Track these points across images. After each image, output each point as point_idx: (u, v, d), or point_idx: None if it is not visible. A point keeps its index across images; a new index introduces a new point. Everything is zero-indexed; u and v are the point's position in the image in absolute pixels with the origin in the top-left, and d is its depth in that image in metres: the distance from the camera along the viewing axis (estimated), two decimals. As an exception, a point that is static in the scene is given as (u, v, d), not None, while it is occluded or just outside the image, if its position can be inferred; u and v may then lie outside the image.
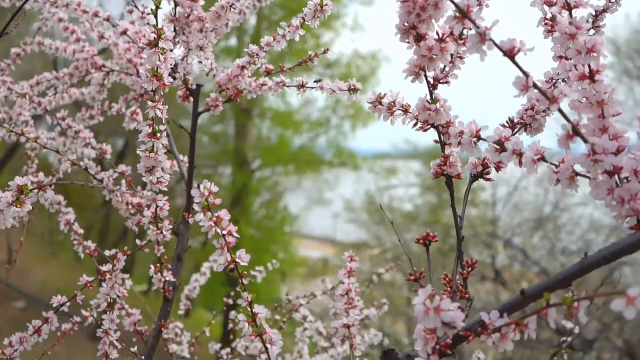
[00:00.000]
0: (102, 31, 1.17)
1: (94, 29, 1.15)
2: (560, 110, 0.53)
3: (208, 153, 11.97)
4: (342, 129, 12.03)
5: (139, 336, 1.04)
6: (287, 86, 0.99)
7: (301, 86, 0.98)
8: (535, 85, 0.53)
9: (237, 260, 0.66)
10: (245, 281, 0.68)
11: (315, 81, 0.96)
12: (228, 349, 1.44)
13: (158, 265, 1.00)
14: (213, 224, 0.64)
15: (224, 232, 0.65)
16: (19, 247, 1.19)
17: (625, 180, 0.54)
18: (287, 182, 12.39)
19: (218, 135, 11.99)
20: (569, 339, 1.17)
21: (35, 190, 0.67)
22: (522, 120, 0.72)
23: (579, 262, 0.52)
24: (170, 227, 0.93)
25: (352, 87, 0.88)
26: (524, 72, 0.53)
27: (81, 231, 1.14)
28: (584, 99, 0.56)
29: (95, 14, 1.11)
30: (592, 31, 0.75)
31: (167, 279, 1.00)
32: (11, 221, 0.72)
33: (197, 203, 0.64)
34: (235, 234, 0.65)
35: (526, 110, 0.72)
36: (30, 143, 1.18)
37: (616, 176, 0.55)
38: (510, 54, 0.53)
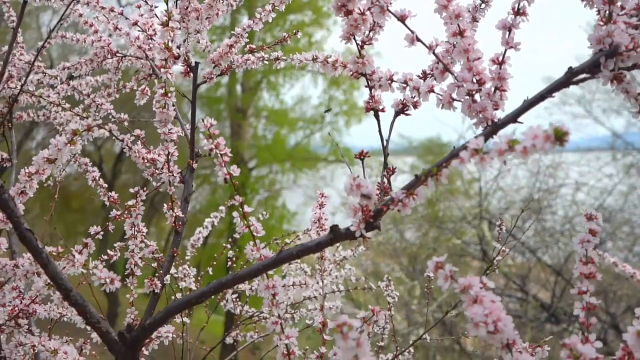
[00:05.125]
0: (116, 23, 1.44)
1: (110, 22, 1.42)
2: (434, 54, 0.82)
3: (205, 153, 12.23)
4: (336, 125, 12.34)
5: (157, 261, 1.32)
6: (266, 60, 1.28)
7: (277, 59, 1.26)
8: (417, 39, 0.81)
9: (231, 172, 0.94)
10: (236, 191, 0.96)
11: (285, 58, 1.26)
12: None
13: (170, 203, 1.27)
14: (214, 147, 0.92)
15: (222, 152, 0.93)
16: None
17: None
18: (284, 180, 12.67)
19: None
20: (499, 258, 1.46)
21: (85, 132, 0.95)
22: (431, 72, 1.00)
23: (448, 155, 0.80)
24: (179, 171, 1.21)
25: (314, 57, 1.15)
26: (411, 31, 0.81)
27: (105, 185, 1.42)
28: (455, 48, 0.85)
29: (111, 10, 1.38)
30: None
31: (177, 214, 1.28)
32: (67, 158, 1.00)
33: (202, 132, 0.91)
34: (229, 154, 0.93)
35: (434, 64, 1.00)
36: (56, 112, 1.46)
37: (477, 97, 0.83)
38: (402, 19, 0.81)
